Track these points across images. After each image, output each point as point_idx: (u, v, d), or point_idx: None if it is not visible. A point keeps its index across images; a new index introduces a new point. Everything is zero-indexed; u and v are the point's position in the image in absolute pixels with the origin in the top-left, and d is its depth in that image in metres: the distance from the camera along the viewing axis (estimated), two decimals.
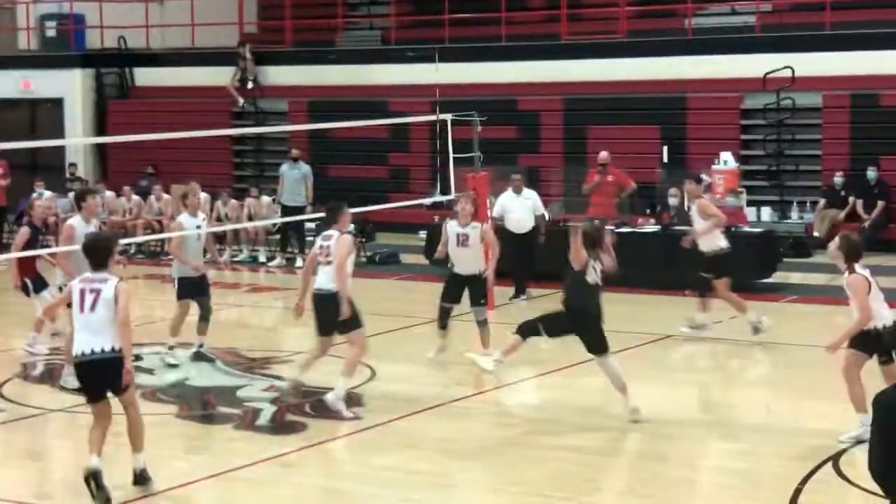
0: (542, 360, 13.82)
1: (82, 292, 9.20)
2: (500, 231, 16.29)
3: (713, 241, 14.69)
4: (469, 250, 13.59)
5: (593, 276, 11.18)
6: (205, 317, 14.01)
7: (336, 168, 24.05)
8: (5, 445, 11.43)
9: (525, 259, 17.25)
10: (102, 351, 9.13)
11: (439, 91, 21.43)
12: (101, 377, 9.22)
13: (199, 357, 13.93)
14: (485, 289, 13.78)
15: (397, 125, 22.56)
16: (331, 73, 25.65)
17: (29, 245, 14.33)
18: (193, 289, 13.89)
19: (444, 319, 13.78)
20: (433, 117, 18.20)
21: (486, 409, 12.38)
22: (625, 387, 11.28)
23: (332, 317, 11.85)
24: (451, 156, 16.96)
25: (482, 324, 13.68)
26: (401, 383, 13.33)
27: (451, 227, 13.66)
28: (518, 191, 17.52)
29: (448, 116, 17.19)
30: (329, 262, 11.90)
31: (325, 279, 11.92)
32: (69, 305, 9.42)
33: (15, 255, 14.43)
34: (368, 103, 24.07)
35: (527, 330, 11.62)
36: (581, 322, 11.24)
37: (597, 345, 11.28)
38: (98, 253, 9.36)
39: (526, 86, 23.61)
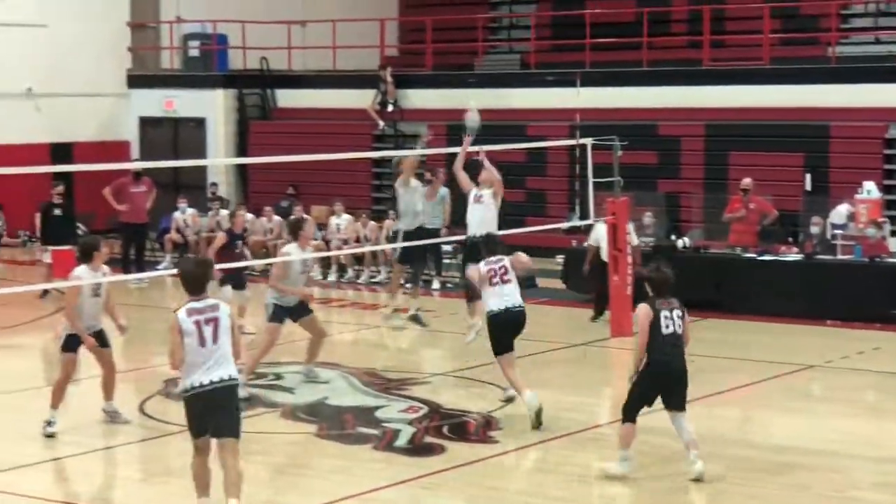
0: None
1: (198, 324, 8.93)
2: (596, 257, 17.19)
3: None
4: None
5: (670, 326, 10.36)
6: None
7: None
8: (146, 462, 11.58)
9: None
10: (230, 378, 9.02)
11: (578, 115, 21.32)
12: (219, 404, 9.02)
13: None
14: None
15: (535, 149, 22.49)
16: (470, 96, 25.63)
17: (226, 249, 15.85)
18: (291, 313, 13.84)
19: None
20: (573, 141, 18.08)
21: None
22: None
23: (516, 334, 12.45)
24: (591, 180, 16.82)
25: None
26: None
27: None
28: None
29: (588, 141, 17.07)
30: (509, 281, 12.57)
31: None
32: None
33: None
34: (507, 127, 24.00)
35: (629, 413, 10.70)
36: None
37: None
38: (198, 279, 9.14)
39: (667, 111, 23.36)
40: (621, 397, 11.18)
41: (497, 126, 24.23)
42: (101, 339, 12.30)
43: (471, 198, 14.91)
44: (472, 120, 13.66)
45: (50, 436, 11.65)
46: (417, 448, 11.46)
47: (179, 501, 10.02)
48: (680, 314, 10.28)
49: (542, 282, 20.65)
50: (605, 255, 17.19)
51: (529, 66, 26.54)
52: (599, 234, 17.37)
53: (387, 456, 11.18)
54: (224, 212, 23.77)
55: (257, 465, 11.05)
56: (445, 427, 12.17)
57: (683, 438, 10.43)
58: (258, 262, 18.54)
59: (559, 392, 13.75)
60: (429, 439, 11.60)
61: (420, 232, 17.30)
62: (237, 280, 16.46)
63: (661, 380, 10.27)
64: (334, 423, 12.52)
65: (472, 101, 13.84)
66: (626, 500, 10.25)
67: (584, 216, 17.86)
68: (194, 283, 9.09)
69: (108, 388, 12.41)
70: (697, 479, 10.24)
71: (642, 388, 10.31)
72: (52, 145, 26.75)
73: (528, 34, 27.72)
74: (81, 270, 12.03)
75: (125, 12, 28.60)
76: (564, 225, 20.49)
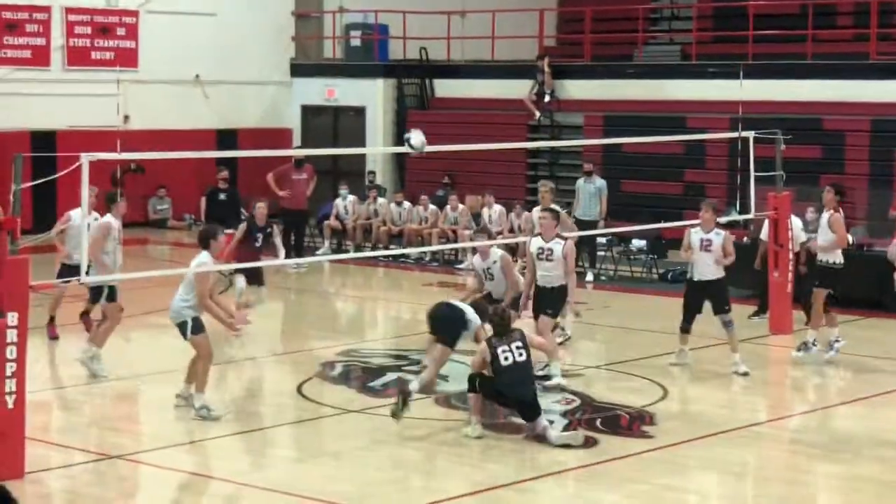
0: (842, 390, 13.34)
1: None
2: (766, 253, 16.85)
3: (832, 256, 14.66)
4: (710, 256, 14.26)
5: None
6: None
7: (630, 183, 23.87)
8: (301, 442, 11.78)
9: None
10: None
11: (740, 107, 21.00)
12: None
13: None
14: (726, 294, 14.30)
15: (694, 141, 22.21)
16: (628, 87, 25.48)
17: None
18: None
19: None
20: (735, 134, 17.80)
21: (779, 434, 12.02)
22: None
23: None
24: (752, 174, 16.55)
25: (728, 325, 14.09)
26: (692, 404, 13.12)
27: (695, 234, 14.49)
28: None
29: (750, 134, 16.79)
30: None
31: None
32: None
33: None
34: (665, 119, 23.79)
35: None
36: None
37: None
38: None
39: (832, 105, 22.85)
40: (779, 396, 11.05)
41: (656, 118, 24.06)
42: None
43: None
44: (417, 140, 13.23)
45: (214, 418, 11.83)
46: (570, 439, 11.41)
47: (333, 482, 10.18)
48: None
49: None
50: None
51: (690, 58, 26.20)
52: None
53: (539, 447, 11.18)
54: (382, 200, 24.05)
55: (413, 450, 11.18)
56: (598, 420, 12.12)
57: None
58: (282, 262, 18.18)
59: (716, 388, 13.60)
60: (581, 431, 11.55)
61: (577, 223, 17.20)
62: (253, 274, 16.19)
63: None
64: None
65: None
66: (790, 500, 10.07)
67: (743, 210, 17.55)
68: None
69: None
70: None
71: None
72: (217, 131, 27.36)
73: (689, 25, 27.35)
74: (205, 257, 12.14)
75: (290, 2, 29.08)
76: (723, 219, 20.12)
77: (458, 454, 11.04)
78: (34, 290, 10.16)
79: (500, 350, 11.21)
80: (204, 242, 12.24)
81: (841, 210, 14.77)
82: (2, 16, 24.86)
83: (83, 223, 11.68)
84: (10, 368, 9.68)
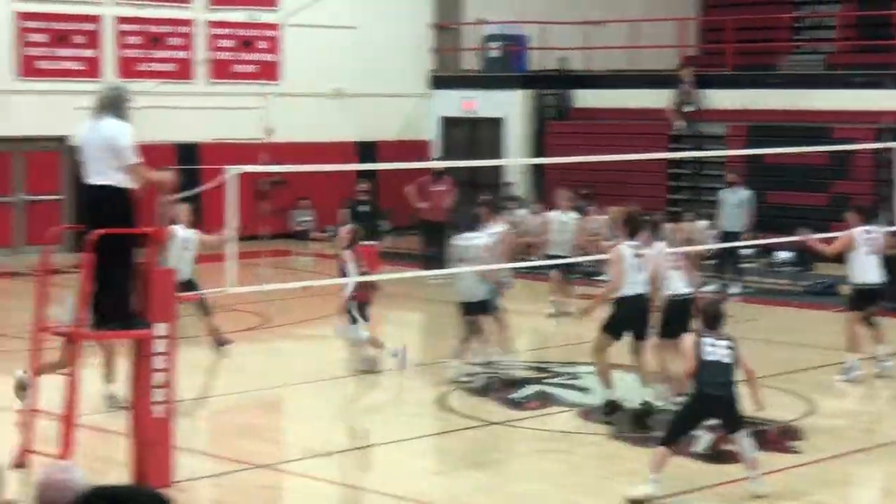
0: None
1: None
2: None
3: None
4: None
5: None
6: None
7: (773, 194, 23.42)
8: (444, 454, 11.76)
9: None
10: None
11: (886, 117, 20.49)
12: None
13: None
14: None
15: (838, 152, 21.72)
16: (771, 97, 25.05)
17: None
18: None
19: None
20: (881, 144, 17.37)
21: None
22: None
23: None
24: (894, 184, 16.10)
25: None
26: (839, 419, 12.79)
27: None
28: None
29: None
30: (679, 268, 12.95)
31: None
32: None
33: None
34: (809, 129, 23.32)
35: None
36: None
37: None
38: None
39: None
40: None
41: (800, 128, 23.60)
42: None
43: None
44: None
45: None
46: (716, 454, 11.21)
47: (474, 494, 10.13)
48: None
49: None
50: None
51: (834, 67, 25.65)
52: None
53: (684, 461, 10.99)
54: (521, 211, 23.95)
55: (555, 462, 11.08)
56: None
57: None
58: (421, 274, 18.13)
59: (865, 403, 13.25)
60: (727, 446, 11.33)
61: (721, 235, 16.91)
62: None
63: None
64: (629, 425, 12.39)
65: None
66: None
67: (892, 222, 17.09)
68: None
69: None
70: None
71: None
72: (357, 143, 27.59)
73: (833, 34, 26.78)
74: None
75: (429, 14, 29.20)
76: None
77: (600, 467, 10.92)
78: (181, 300, 10.30)
79: (706, 341, 10.21)
80: None
81: None
82: (147, 30, 25.41)
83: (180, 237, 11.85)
84: (159, 378, 9.82)
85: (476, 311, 14.09)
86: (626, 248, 12.57)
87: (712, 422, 11.71)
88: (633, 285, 12.43)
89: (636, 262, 12.47)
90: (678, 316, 12.58)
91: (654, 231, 13.23)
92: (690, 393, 10.26)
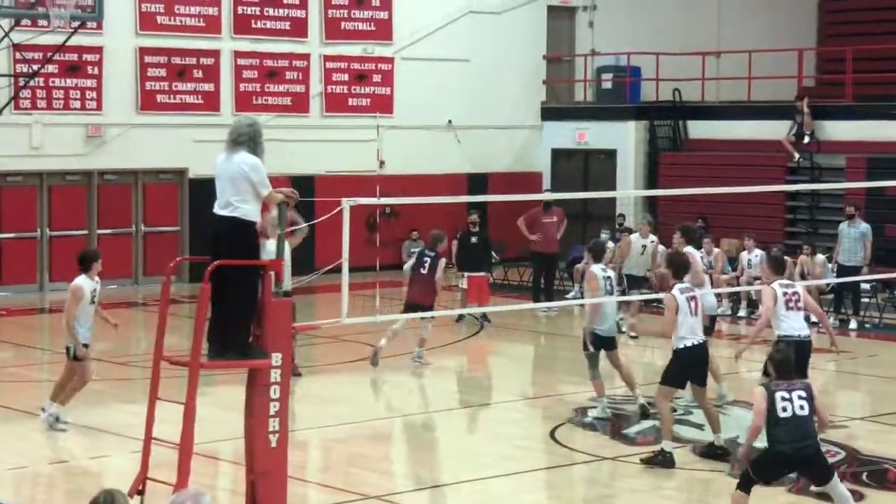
0: None
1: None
2: None
3: None
4: None
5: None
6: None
7: (893, 228, 22.92)
8: (555, 489, 11.64)
9: None
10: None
11: None
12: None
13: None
14: None
15: None
16: (891, 128, 24.55)
17: None
18: None
19: None
20: None
21: None
22: None
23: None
24: None
25: None
26: None
27: None
28: None
29: None
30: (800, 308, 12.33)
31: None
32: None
33: None
34: None
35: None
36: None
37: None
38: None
39: None
40: None
41: None
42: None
43: None
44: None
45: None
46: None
47: None
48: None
49: None
50: None
51: None
52: None
53: (800, 499, 10.74)
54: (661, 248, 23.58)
55: (666, 500, 10.90)
56: (864, 474, 11.59)
57: None
58: (533, 306, 18.14)
59: None
60: (847, 485, 11.04)
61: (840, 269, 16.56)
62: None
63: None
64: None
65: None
66: None
67: None
68: None
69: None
70: None
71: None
72: (468, 175, 27.62)
73: None
74: (81, 280, 12.92)
75: (542, 46, 29.18)
76: None
77: None
78: (297, 330, 10.34)
79: (778, 395, 9.40)
80: (85, 265, 12.92)
81: None
82: (263, 63, 25.75)
83: None
84: (274, 408, 9.85)
85: (609, 346, 13.91)
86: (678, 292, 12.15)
87: (836, 459, 11.45)
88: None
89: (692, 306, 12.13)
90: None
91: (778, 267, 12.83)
92: (766, 449, 9.48)
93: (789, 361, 9.65)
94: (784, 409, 9.28)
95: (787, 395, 9.33)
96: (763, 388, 9.45)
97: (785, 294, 12.36)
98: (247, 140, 9.85)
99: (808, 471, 9.75)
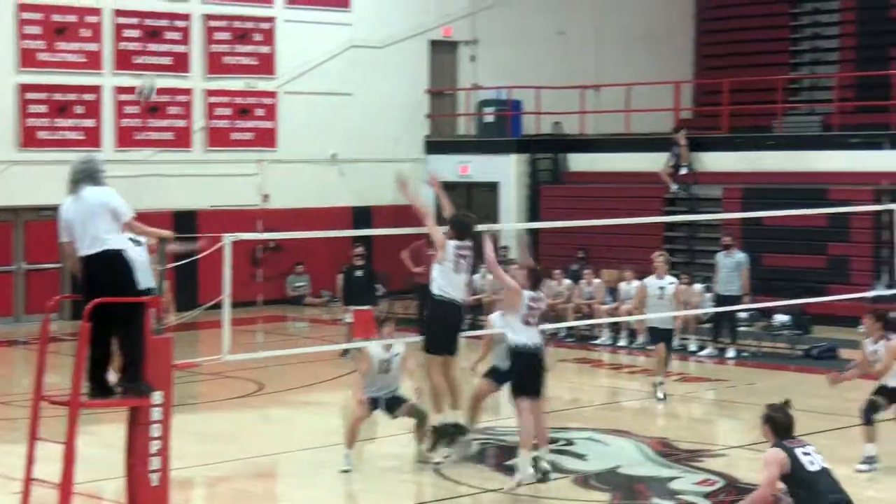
0: None
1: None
2: None
3: None
4: None
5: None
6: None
7: (770, 257, 23.44)
8: None
9: None
10: None
11: (885, 178, 20.57)
12: None
13: None
14: None
15: (837, 214, 21.76)
16: (767, 159, 25.14)
17: None
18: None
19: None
20: (881, 206, 17.43)
21: None
22: None
23: None
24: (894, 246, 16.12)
25: None
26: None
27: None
28: None
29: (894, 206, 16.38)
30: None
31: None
32: None
33: None
34: (806, 190, 23.41)
35: None
36: None
37: None
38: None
39: None
40: None
41: (796, 190, 23.67)
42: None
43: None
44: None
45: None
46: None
47: None
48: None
49: (846, 353, 19.88)
50: None
51: (831, 128, 25.79)
52: None
53: None
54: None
55: None
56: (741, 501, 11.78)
57: None
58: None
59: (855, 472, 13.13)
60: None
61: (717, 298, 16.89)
62: None
63: None
64: (628, 492, 12.32)
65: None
66: None
67: (891, 285, 17.10)
68: None
69: None
70: None
71: None
72: (353, 209, 27.64)
73: (830, 95, 26.95)
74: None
75: (425, 80, 29.37)
76: (869, 294, 19.69)
77: None
78: (177, 368, 10.26)
79: (798, 451, 8.70)
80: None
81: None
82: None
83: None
84: (156, 446, 9.78)
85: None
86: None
87: (715, 488, 11.63)
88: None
89: None
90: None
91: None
92: None
93: (792, 421, 8.96)
94: (812, 463, 8.68)
95: (805, 451, 8.74)
96: (778, 450, 8.72)
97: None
98: (85, 177, 9.79)
99: None
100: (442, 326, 12.49)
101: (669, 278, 16.78)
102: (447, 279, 12.63)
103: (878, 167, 22.73)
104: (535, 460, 12.25)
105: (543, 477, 12.21)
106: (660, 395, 16.58)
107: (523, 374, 12.34)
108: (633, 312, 17.93)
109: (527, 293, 12.36)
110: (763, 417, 8.95)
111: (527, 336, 12.29)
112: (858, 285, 21.41)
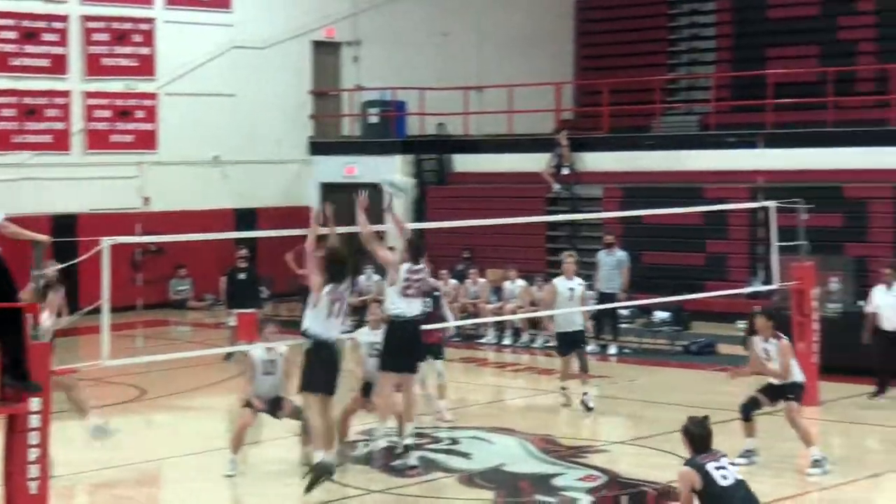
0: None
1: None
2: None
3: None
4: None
5: None
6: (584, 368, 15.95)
7: (651, 255, 23.80)
8: None
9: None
10: None
11: (760, 177, 21.00)
12: None
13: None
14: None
15: (714, 212, 22.16)
16: (647, 158, 25.52)
17: None
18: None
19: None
20: (756, 204, 17.78)
21: None
22: None
23: None
24: (775, 244, 16.47)
25: None
26: None
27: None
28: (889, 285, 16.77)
29: (772, 204, 16.72)
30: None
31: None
32: None
33: None
34: (685, 189, 23.80)
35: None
36: None
37: None
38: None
39: (852, 172, 22.77)
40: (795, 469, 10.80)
41: (675, 188, 24.05)
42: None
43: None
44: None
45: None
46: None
47: None
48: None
49: (723, 348, 20.27)
50: (885, 324, 16.46)
51: (708, 128, 26.25)
52: (877, 300, 16.71)
53: None
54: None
55: None
56: (625, 497, 11.97)
57: None
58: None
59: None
60: None
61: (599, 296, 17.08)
62: None
63: None
64: (511, 490, 12.42)
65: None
66: None
67: (767, 281, 17.46)
68: None
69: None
70: None
71: None
72: (236, 211, 27.44)
73: (708, 95, 27.42)
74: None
75: (308, 81, 29.28)
76: (746, 290, 20.09)
77: None
78: (56, 374, 10.11)
79: (712, 468, 8.64)
80: None
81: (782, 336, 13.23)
82: (22, 101, 25.10)
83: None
84: (34, 454, 9.64)
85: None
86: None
87: (597, 484, 11.76)
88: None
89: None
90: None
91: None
92: None
93: (709, 435, 8.90)
94: (724, 477, 8.59)
95: (718, 465, 8.65)
96: (689, 468, 8.68)
97: None
98: None
99: None
100: (320, 365, 12.14)
101: (578, 280, 16.56)
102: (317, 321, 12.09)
103: (753, 165, 23.21)
104: (397, 438, 12.60)
105: (404, 451, 12.38)
106: (590, 404, 15.84)
107: (396, 347, 12.45)
108: (541, 311, 17.90)
109: (405, 265, 12.48)
110: (682, 430, 8.95)
111: (406, 306, 12.40)
112: (735, 282, 21.86)
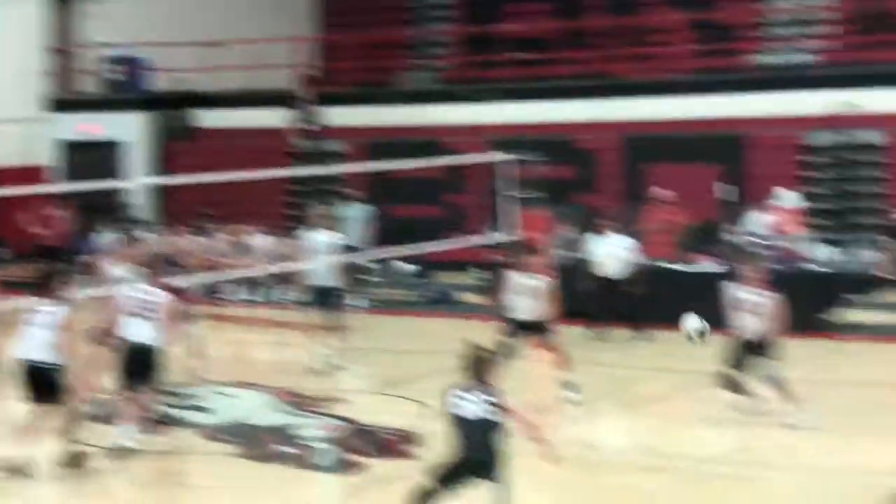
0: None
1: None
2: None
3: None
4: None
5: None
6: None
7: (395, 208, 24.09)
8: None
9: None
10: None
11: (496, 130, 21.53)
12: None
13: None
14: None
15: (453, 165, 22.60)
16: (389, 113, 25.79)
17: None
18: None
19: None
20: (488, 157, 18.25)
21: None
22: None
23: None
24: (505, 194, 16.94)
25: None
26: None
27: None
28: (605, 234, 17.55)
29: (504, 156, 17.20)
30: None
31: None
32: None
33: None
34: (427, 144, 24.15)
35: None
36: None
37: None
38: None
39: (583, 125, 23.56)
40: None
41: (418, 143, 24.39)
42: None
43: None
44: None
45: None
46: (337, 465, 11.49)
47: None
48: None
49: (462, 296, 20.76)
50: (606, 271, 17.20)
51: (447, 83, 26.66)
52: (594, 249, 17.36)
53: (306, 474, 11.19)
54: (149, 234, 23.51)
55: (174, 485, 11.05)
56: (365, 443, 12.20)
57: None
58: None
59: None
60: (347, 456, 11.63)
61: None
62: None
63: None
64: (253, 442, 12.51)
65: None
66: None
67: (499, 231, 17.96)
68: None
69: None
70: None
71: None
72: None
73: (446, 51, 27.82)
74: None
75: (42, 36, 28.36)
76: (482, 240, 20.55)
77: (222, 486, 10.94)
78: None
79: (453, 394, 8.85)
80: None
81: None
82: None
83: None
84: None
85: None
86: None
87: (337, 432, 11.96)
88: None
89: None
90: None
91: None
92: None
93: (479, 363, 8.93)
94: (456, 406, 8.77)
95: (460, 395, 8.79)
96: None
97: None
98: None
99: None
100: None
101: (329, 233, 16.49)
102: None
103: (490, 119, 23.73)
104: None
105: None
106: (335, 361, 15.87)
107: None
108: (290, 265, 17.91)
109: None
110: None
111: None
112: (474, 233, 22.36)
